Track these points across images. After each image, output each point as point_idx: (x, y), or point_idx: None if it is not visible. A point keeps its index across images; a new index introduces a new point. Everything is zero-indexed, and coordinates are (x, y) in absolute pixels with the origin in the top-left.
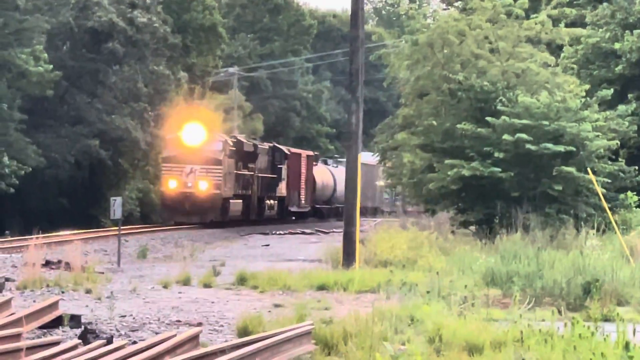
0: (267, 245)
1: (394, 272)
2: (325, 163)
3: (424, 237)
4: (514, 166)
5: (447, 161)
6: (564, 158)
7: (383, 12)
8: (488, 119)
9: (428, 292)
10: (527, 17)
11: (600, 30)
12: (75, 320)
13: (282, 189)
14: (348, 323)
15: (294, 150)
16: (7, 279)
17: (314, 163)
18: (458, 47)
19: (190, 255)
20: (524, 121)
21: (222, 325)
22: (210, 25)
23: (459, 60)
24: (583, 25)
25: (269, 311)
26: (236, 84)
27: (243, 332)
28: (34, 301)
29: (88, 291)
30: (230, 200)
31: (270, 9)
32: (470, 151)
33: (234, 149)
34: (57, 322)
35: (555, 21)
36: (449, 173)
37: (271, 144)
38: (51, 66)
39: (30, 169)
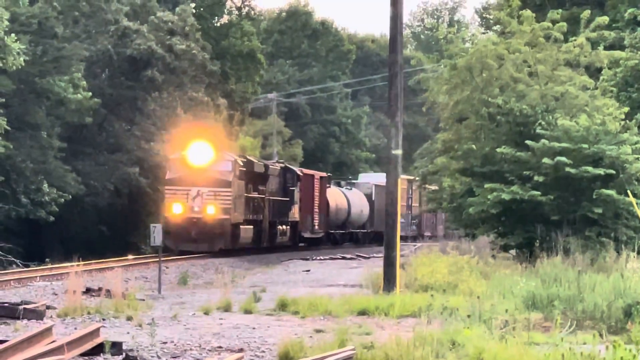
0: (308, 270)
1: (434, 296)
2: (339, 185)
3: (464, 261)
4: (554, 189)
5: (486, 185)
6: (603, 181)
7: (422, 36)
8: (528, 142)
9: (469, 316)
10: (566, 40)
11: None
12: (116, 347)
13: (294, 213)
14: (389, 348)
15: (306, 171)
16: (48, 307)
17: (327, 185)
18: (497, 71)
19: (230, 281)
20: (564, 144)
21: (263, 351)
22: (249, 51)
23: (497, 84)
24: (622, 47)
25: (310, 336)
26: (275, 109)
27: (284, 357)
28: (75, 328)
29: (129, 318)
30: (241, 226)
31: (308, 34)
32: (509, 175)
33: (244, 169)
34: (98, 350)
35: (594, 44)
36: (489, 197)
37: (282, 164)
38: (90, 94)
39: (70, 197)
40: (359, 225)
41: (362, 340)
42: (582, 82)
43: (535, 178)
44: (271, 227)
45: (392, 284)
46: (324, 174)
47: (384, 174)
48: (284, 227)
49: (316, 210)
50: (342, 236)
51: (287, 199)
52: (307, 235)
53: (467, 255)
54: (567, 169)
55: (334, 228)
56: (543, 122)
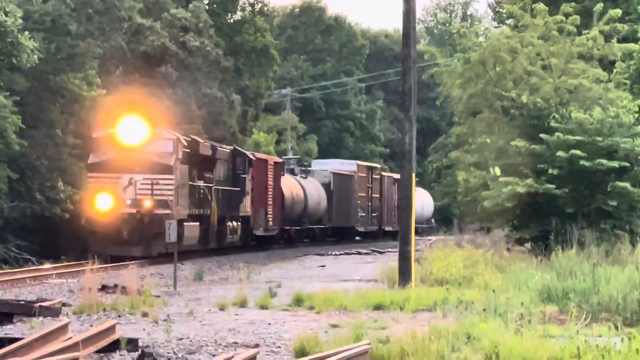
0: (323, 266)
1: (450, 290)
2: (293, 173)
3: (479, 255)
4: (568, 182)
5: (501, 179)
6: (618, 173)
7: (435, 31)
8: (542, 135)
9: (484, 309)
10: (579, 34)
11: None
12: (132, 343)
13: (246, 206)
14: (405, 342)
15: (259, 155)
16: (64, 304)
17: (281, 173)
18: (510, 64)
19: (246, 277)
20: (578, 137)
21: (279, 347)
22: (262, 47)
23: (511, 77)
24: (635, 40)
25: (326, 331)
26: (289, 105)
27: (300, 352)
28: (91, 325)
29: (145, 315)
30: (184, 224)
31: (321, 30)
32: (524, 168)
33: (188, 151)
34: (114, 346)
35: (607, 37)
36: (504, 190)
37: (231, 147)
38: (104, 91)
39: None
40: (315, 220)
41: (378, 335)
42: (595, 74)
43: (550, 171)
44: (219, 223)
45: (407, 278)
46: (278, 159)
47: (342, 161)
48: (235, 223)
49: (270, 202)
50: (298, 233)
51: (238, 188)
52: (259, 232)
53: (482, 249)
54: (582, 162)
55: (289, 224)
56: (557, 115)
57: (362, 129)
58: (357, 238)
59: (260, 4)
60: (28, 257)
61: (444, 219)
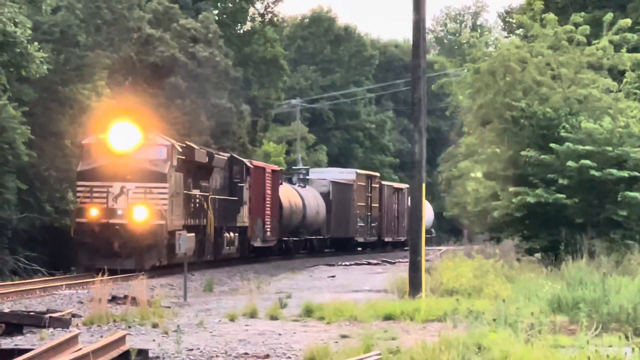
0: (333, 276)
1: (460, 300)
2: (290, 181)
3: (489, 265)
4: (578, 192)
5: (511, 189)
6: (628, 183)
7: (444, 41)
8: (552, 145)
9: (494, 319)
10: (589, 43)
11: None
12: (142, 354)
13: (244, 216)
14: (415, 352)
15: (256, 163)
16: (74, 315)
17: (279, 181)
18: (520, 74)
19: (256, 287)
20: (587, 147)
21: (289, 357)
22: (272, 57)
23: (521, 87)
24: None
25: (336, 342)
26: (299, 115)
27: None
28: (101, 336)
29: (155, 325)
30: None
31: (331, 40)
32: (534, 178)
33: (183, 158)
34: (124, 357)
35: (617, 46)
36: (514, 200)
37: (228, 154)
38: (113, 101)
39: None
40: (314, 230)
41: (388, 345)
42: (605, 84)
43: (560, 181)
44: (216, 234)
45: (417, 288)
46: (276, 167)
47: (341, 169)
48: (232, 234)
49: (268, 212)
50: (296, 244)
51: (235, 198)
52: (257, 244)
53: (492, 259)
54: (592, 171)
55: (287, 234)
56: (567, 125)
57: (371, 140)
58: (357, 249)
59: (269, 15)
60: (37, 268)
61: (453, 230)
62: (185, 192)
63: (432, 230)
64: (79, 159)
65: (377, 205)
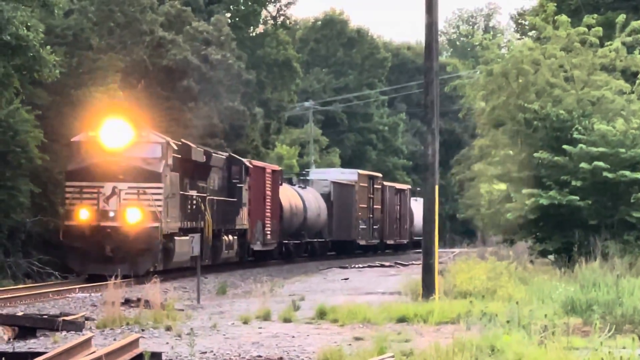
0: (347, 278)
1: (473, 302)
2: (290, 182)
3: (502, 267)
4: (592, 194)
5: (524, 191)
6: None
7: (457, 43)
8: (565, 147)
9: (508, 321)
10: (602, 45)
11: None
12: (156, 357)
13: (243, 218)
14: (429, 354)
15: (256, 163)
16: (87, 318)
17: (279, 182)
18: (533, 76)
19: (269, 290)
20: (601, 149)
21: None
22: (285, 60)
23: (534, 89)
24: None
25: (350, 344)
26: (312, 118)
27: None
28: (114, 339)
29: (168, 328)
30: (176, 238)
31: (343, 42)
32: (547, 180)
33: (179, 157)
34: None
35: (630, 48)
36: (527, 202)
37: (227, 154)
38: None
39: None
40: (315, 233)
41: (401, 348)
42: (618, 86)
43: (573, 183)
44: (214, 238)
45: (430, 291)
46: (276, 167)
47: (343, 170)
48: (231, 237)
49: (268, 214)
50: (297, 248)
51: (234, 199)
52: (257, 247)
53: (506, 261)
54: (605, 173)
55: (287, 237)
56: (580, 127)
57: (384, 142)
58: (358, 251)
59: (282, 17)
60: (51, 271)
61: (466, 231)
62: (181, 192)
63: None
64: (69, 158)
65: (380, 206)
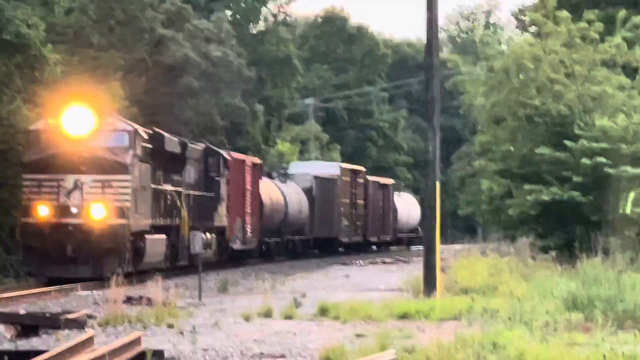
0: (348, 275)
1: (475, 299)
2: (270, 177)
3: (504, 263)
4: (593, 190)
5: (525, 186)
6: None
7: (457, 39)
8: (566, 142)
9: (510, 318)
10: (602, 41)
11: None
12: (158, 355)
13: (221, 215)
14: (430, 351)
15: (235, 155)
16: (90, 316)
17: (260, 176)
18: (533, 72)
19: (270, 287)
20: (602, 145)
21: (304, 357)
22: (285, 57)
23: (534, 85)
24: None
25: (351, 341)
26: (312, 115)
27: None
28: (116, 337)
29: (170, 326)
30: (146, 236)
31: (343, 39)
32: (548, 176)
33: (150, 146)
34: (140, 358)
35: (631, 44)
36: (528, 198)
37: (204, 145)
38: (127, 102)
39: None
40: (296, 230)
41: (403, 344)
42: (619, 81)
43: (574, 179)
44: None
45: (432, 287)
46: (257, 160)
47: (324, 163)
48: (208, 235)
49: (248, 210)
50: (277, 246)
51: (212, 194)
52: (237, 246)
53: (507, 257)
54: (606, 169)
55: (268, 235)
56: (581, 123)
57: (385, 138)
58: (340, 249)
59: (282, 15)
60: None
61: (467, 228)
62: (153, 186)
63: (419, 228)
64: (26, 148)
65: (363, 202)
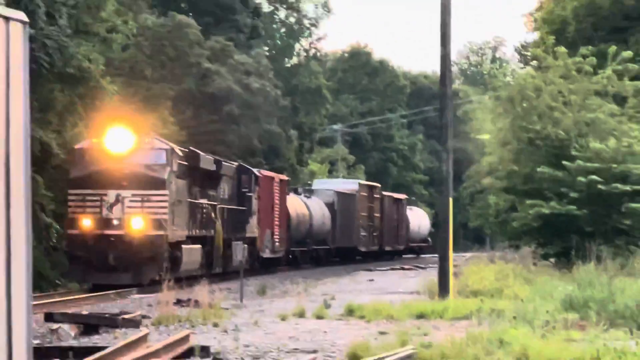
0: (372, 280)
1: (483, 300)
2: (296, 192)
3: (509, 269)
4: (587, 204)
5: (528, 201)
6: (631, 196)
7: (468, 72)
8: (564, 163)
9: (514, 317)
10: (595, 73)
11: None
12: (205, 351)
13: (252, 227)
14: (445, 346)
15: (265, 172)
16: (144, 316)
17: (286, 192)
18: (535, 100)
19: (304, 290)
20: (595, 164)
21: (334, 352)
22: (316, 88)
23: (536, 112)
24: None
25: (375, 338)
26: (340, 139)
27: (353, 357)
28: (168, 335)
29: (215, 325)
30: (183, 246)
31: (368, 72)
32: (548, 192)
33: (186, 164)
34: (189, 353)
35: (620, 76)
36: (530, 212)
37: (236, 163)
38: (177, 128)
39: None
40: (319, 240)
41: (421, 340)
42: (610, 109)
43: (571, 194)
44: (225, 246)
45: (446, 290)
46: (284, 177)
47: (344, 180)
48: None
49: (277, 222)
50: (303, 255)
51: (244, 208)
52: (266, 255)
53: (512, 264)
54: (599, 186)
55: (294, 245)
56: (577, 145)
57: (404, 159)
58: (358, 257)
59: (314, 50)
60: None
61: (477, 238)
62: (189, 200)
63: (429, 239)
64: (72, 165)
65: (379, 215)
